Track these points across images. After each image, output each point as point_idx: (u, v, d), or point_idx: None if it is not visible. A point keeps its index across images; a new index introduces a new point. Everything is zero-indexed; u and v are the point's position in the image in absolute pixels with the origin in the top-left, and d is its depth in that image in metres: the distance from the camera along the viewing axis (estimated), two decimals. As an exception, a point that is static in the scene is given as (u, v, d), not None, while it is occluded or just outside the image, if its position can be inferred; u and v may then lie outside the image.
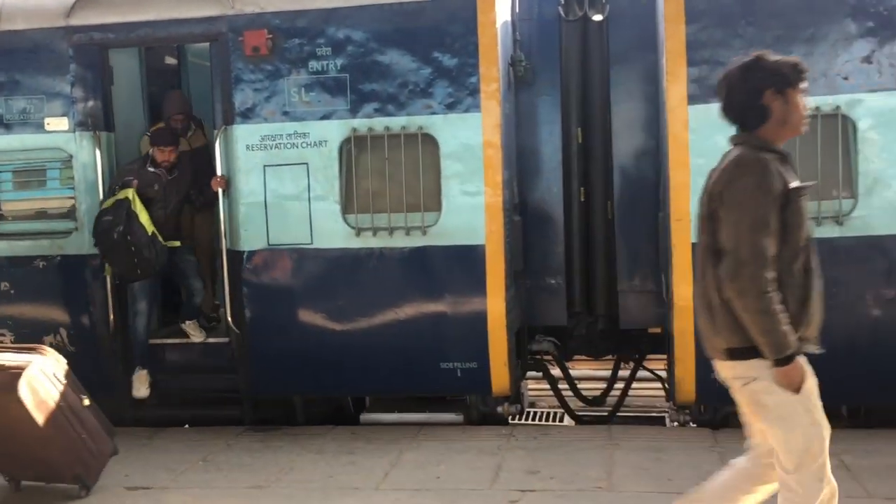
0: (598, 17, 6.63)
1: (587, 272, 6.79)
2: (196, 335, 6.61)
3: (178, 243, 6.56)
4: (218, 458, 5.70)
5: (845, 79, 5.49)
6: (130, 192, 6.19)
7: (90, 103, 6.42)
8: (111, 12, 6.31)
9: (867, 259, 5.55)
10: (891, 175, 5.45)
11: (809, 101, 5.38)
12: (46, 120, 6.41)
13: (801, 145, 5.48)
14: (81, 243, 6.41)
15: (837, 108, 5.48)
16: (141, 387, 6.38)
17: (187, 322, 6.65)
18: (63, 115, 6.40)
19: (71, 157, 6.42)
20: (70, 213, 6.48)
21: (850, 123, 5.49)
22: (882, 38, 5.43)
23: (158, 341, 6.72)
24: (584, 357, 7.87)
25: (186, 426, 6.65)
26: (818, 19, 5.53)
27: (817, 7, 5.54)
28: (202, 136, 7.03)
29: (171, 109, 6.87)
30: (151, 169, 6.37)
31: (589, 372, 9.42)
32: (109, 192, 6.32)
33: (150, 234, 6.20)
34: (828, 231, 5.51)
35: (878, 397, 5.82)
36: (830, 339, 5.58)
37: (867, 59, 5.46)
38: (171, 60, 8.00)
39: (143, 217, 6.20)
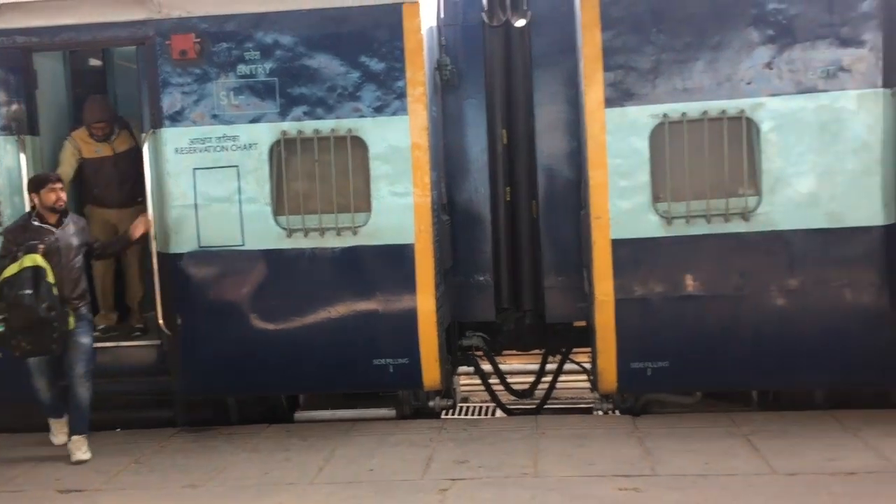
0: (520, 23, 6.89)
1: (514, 269, 7.04)
2: (82, 455, 5.73)
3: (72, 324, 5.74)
4: (151, 459, 5.74)
5: (748, 83, 5.85)
6: (41, 261, 5.54)
7: (14, 107, 6.35)
8: (35, 15, 6.25)
9: (771, 252, 5.92)
10: (790, 174, 5.83)
11: (716, 104, 5.83)
12: (-31, 124, 6.33)
13: (710, 145, 5.86)
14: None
15: (742, 111, 5.83)
16: (59, 434, 5.96)
17: (74, 438, 5.78)
18: (-13, 119, 6.33)
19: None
20: (-5, 218, 6.39)
21: (754, 126, 5.85)
22: (781, 46, 5.81)
23: (88, 345, 6.68)
24: (513, 352, 8.15)
25: (118, 430, 6.63)
26: (724, 27, 5.87)
27: (723, 16, 5.88)
28: (129, 139, 6.92)
29: (90, 118, 6.68)
30: (37, 223, 5.76)
31: (519, 366, 9.70)
32: (4, 255, 5.67)
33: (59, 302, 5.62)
34: (735, 226, 5.88)
35: (783, 382, 6.21)
36: (740, 327, 6.02)
37: (768, 65, 5.84)
38: (95, 62, 7.93)
39: (53, 281, 5.60)
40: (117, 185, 6.79)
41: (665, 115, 5.90)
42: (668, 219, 5.94)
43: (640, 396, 6.45)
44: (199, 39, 6.14)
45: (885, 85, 5.75)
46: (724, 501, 4.48)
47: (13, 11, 6.27)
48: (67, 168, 6.67)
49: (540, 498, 4.66)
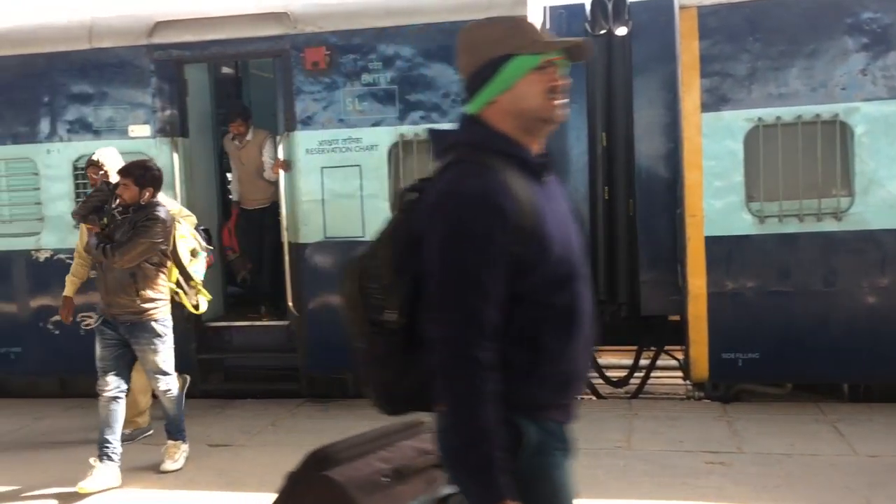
0: (621, 32, 7.33)
1: (611, 264, 7.48)
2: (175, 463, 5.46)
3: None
4: (285, 423, 6.50)
5: (843, 89, 6.13)
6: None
7: (168, 112, 7.22)
8: (188, 32, 7.11)
9: (863, 250, 6.18)
10: (883, 176, 6.07)
11: (811, 109, 6.11)
12: (130, 127, 7.24)
13: (803, 147, 6.16)
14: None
15: (836, 115, 6.12)
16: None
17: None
18: (145, 123, 7.23)
19: (151, 160, 7.22)
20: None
21: (848, 129, 6.12)
22: (875, 53, 6.06)
23: (225, 324, 7.52)
24: (607, 348, 8.59)
25: (248, 399, 7.43)
26: (818, 36, 6.17)
27: (817, 24, 6.18)
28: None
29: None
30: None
31: (613, 361, 10.07)
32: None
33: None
34: (827, 225, 6.17)
35: (874, 375, 6.44)
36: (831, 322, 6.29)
37: (863, 72, 6.10)
38: (227, 70, 8.80)
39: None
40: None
41: (759, 119, 6.24)
42: (761, 217, 6.27)
43: (731, 386, 6.78)
44: (328, 52, 6.86)
45: (978, 90, 5.93)
46: (805, 477, 4.83)
47: (169, 29, 7.15)
48: None
49: (631, 467, 5.12)
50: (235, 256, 7.85)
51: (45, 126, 7.36)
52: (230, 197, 8.14)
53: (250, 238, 7.89)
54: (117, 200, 5.37)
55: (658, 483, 4.82)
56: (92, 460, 5.11)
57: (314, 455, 2.49)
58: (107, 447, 5.14)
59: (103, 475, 5.08)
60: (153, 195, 5.33)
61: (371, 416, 6.27)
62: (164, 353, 5.32)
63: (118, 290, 5.19)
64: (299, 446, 5.91)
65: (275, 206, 7.44)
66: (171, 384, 5.38)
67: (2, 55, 7.40)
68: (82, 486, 5.03)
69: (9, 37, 7.39)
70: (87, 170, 6.15)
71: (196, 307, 5.84)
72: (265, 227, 7.75)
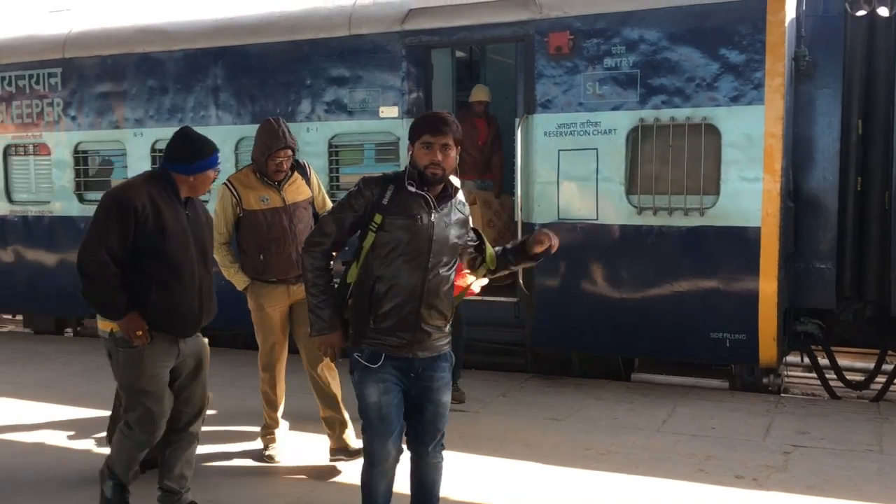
0: (885, 12, 6.84)
1: (859, 259, 7.05)
2: None
3: None
4: (515, 395, 6.75)
5: None
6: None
7: (415, 95, 7.66)
8: (437, 19, 7.50)
9: None
10: None
11: None
12: (381, 108, 7.77)
13: None
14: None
15: None
16: None
17: None
18: (394, 105, 7.72)
19: (398, 139, 7.71)
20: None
21: None
22: None
23: (457, 298, 7.89)
24: (847, 349, 8.10)
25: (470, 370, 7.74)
26: None
27: None
28: (304, 187, 5.31)
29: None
30: (412, 188, 3.47)
31: (847, 363, 9.47)
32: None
33: None
34: None
35: None
36: None
37: None
38: (460, 54, 9.13)
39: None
40: None
41: None
42: None
43: None
44: (572, 36, 6.97)
45: None
46: None
47: (421, 15, 7.57)
48: None
49: (886, 471, 4.86)
50: None
51: (305, 106, 8.06)
52: None
53: None
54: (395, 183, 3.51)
55: (919, 491, 4.56)
56: None
57: None
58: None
59: None
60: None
61: (597, 397, 6.38)
62: None
63: (436, 308, 3.55)
64: (531, 419, 6.24)
65: None
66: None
67: (271, 41, 8.17)
68: None
69: (279, 24, 8.15)
70: (274, 155, 4.97)
71: None
72: None
